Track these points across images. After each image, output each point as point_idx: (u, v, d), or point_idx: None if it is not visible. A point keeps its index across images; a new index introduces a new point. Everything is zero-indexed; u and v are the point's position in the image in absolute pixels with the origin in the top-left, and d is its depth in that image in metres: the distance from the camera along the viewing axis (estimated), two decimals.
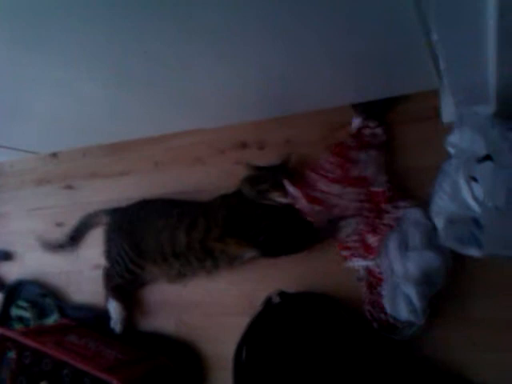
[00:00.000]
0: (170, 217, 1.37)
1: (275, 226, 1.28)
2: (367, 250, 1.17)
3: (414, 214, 1.14)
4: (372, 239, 1.16)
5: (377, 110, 1.29)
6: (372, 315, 1.14)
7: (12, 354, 1.32)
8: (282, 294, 1.19)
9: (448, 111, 1.16)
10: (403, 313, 1.06)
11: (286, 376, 1.08)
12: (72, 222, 1.68)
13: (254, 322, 1.16)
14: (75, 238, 1.64)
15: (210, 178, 1.50)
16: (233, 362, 1.14)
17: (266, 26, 0.85)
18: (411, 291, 1.05)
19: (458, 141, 1.05)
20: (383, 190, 1.19)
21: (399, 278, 1.08)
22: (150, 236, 1.38)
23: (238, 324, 1.18)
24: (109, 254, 1.46)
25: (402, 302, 1.06)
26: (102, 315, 1.48)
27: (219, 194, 1.39)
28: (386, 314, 1.11)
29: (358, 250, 1.19)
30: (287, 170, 1.31)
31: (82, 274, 1.60)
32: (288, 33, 0.88)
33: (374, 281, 1.16)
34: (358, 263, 1.18)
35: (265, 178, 1.29)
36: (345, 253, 1.21)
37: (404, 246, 1.11)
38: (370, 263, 1.16)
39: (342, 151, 1.25)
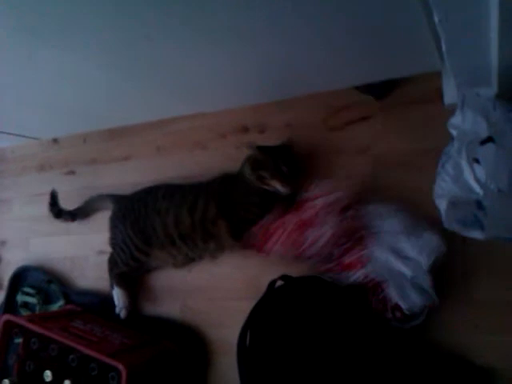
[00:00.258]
0: (173, 198, 1.38)
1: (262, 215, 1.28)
2: (348, 268, 1.16)
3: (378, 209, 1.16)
4: (349, 258, 1.16)
5: (378, 91, 1.28)
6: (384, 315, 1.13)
7: (19, 340, 1.34)
8: (285, 277, 1.19)
9: (450, 93, 1.15)
10: (417, 300, 1.05)
11: (291, 360, 1.09)
12: (75, 207, 1.69)
13: (258, 307, 1.16)
14: (74, 214, 1.65)
15: (212, 162, 1.49)
16: (237, 347, 1.15)
17: (265, 11, 0.84)
18: (417, 275, 1.05)
19: (461, 123, 1.05)
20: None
21: (400, 271, 1.08)
22: (155, 221, 1.38)
23: (243, 308, 1.18)
24: (114, 242, 1.47)
25: (412, 291, 1.06)
26: (107, 300, 1.49)
27: (221, 173, 1.39)
28: (396, 310, 1.10)
29: (338, 271, 1.18)
30: (289, 156, 1.30)
31: (87, 260, 1.61)
32: (286, 16, 0.87)
33: (372, 285, 1.14)
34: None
35: (266, 163, 1.27)
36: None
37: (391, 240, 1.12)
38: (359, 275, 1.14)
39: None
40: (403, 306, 1.07)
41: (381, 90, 1.27)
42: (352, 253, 1.16)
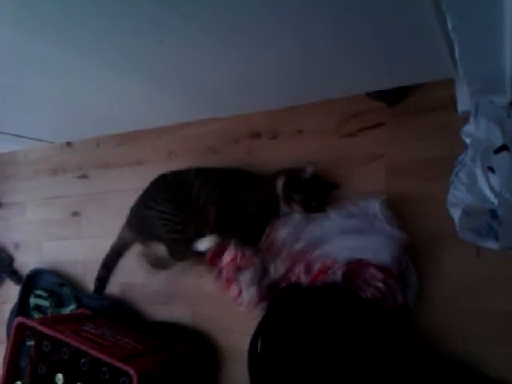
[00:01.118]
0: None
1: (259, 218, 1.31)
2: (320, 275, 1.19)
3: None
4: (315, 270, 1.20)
5: (391, 98, 1.27)
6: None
7: (31, 343, 1.35)
8: (293, 286, 1.19)
9: (463, 101, 1.15)
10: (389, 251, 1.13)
11: (303, 368, 1.08)
12: (88, 211, 1.71)
13: (269, 314, 1.17)
14: (109, 265, 1.62)
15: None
16: (248, 354, 1.15)
17: (279, 17, 0.84)
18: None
19: (474, 131, 1.04)
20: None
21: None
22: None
23: (254, 315, 1.18)
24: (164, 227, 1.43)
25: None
26: (119, 305, 1.50)
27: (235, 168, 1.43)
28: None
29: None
30: (324, 195, 1.29)
31: (99, 264, 1.61)
32: (302, 23, 0.87)
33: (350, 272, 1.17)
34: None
35: (302, 190, 1.27)
36: None
37: None
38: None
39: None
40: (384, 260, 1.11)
41: (393, 97, 1.27)
42: (314, 266, 1.20)
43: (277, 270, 1.25)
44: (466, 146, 1.07)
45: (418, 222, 1.19)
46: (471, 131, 1.05)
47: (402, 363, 1.08)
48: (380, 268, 1.12)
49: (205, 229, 1.37)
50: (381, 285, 1.12)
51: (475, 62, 0.94)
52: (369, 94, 1.28)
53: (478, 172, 0.99)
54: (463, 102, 1.16)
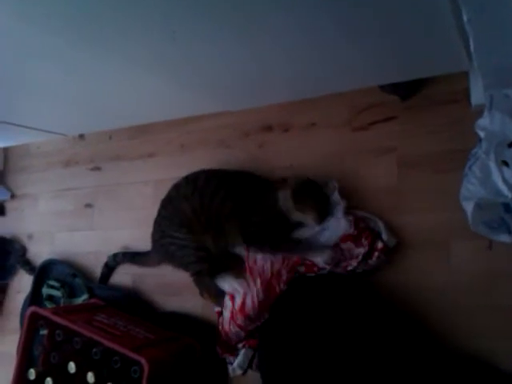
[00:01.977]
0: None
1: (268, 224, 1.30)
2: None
3: None
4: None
5: (404, 91, 1.27)
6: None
7: (44, 332, 1.37)
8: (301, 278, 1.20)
9: (477, 94, 1.14)
10: None
11: (312, 357, 1.09)
12: (100, 203, 1.72)
13: (277, 304, 1.17)
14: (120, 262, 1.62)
15: (235, 161, 1.50)
16: (258, 344, 1.16)
17: (292, 11, 0.84)
18: None
19: (488, 124, 1.03)
20: None
21: None
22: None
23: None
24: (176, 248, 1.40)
25: None
26: (130, 295, 1.51)
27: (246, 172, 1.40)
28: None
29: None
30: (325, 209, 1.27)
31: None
32: (314, 15, 0.87)
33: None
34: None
35: (307, 200, 1.25)
36: None
37: None
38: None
39: None
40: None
41: (406, 90, 1.26)
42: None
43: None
44: (479, 140, 1.06)
45: (431, 215, 1.19)
46: (485, 125, 1.04)
47: (411, 358, 1.08)
48: (346, 238, 1.20)
49: (227, 243, 1.35)
50: (356, 250, 1.19)
51: (490, 55, 0.93)
52: (382, 87, 1.28)
53: (492, 165, 0.98)
54: (477, 96, 1.15)
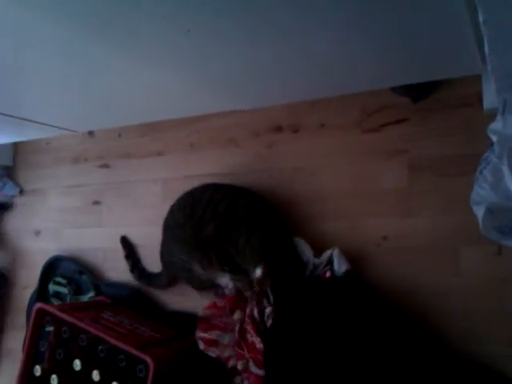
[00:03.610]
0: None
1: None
2: None
3: None
4: None
5: (416, 93, 1.26)
6: None
7: (50, 328, 1.37)
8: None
9: (490, 98, 1.13)
10: None
11: (315, 357, 1.09)
12: (109, 200, 1.72)
13: (282, 306, 1.17)
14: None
15: (243, 160, 1.50)
16: (263, 343, 1.16)
17: (308, 13, 0.83)
18: None
19: (501, 128, 1.02)
20: None
21: None
22: None
23: None
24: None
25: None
26: (137, 293, 1.51)
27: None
28: None
29: None
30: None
31: (119, 252, 1.62)
32: (327, 15, 0.86)
33: None
34: None
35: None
36: None
37: None
38: None
39: None
40: None
41: (418, 92, 1.25)
42: None
43: None
44: (491, 144, 1.05)
45: (440, 219, 1.18)
46: (498, 129, 1.03)
47: (419, 363, 1.07)
48: None
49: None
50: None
51: (504, 58, 0.92)
52: (393, 89, 1.27)
53: (505, 170, 0.97)
54: (489, 99, 1.14)
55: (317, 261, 1.26)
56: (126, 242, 1.62)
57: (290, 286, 1.21)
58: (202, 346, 1.29)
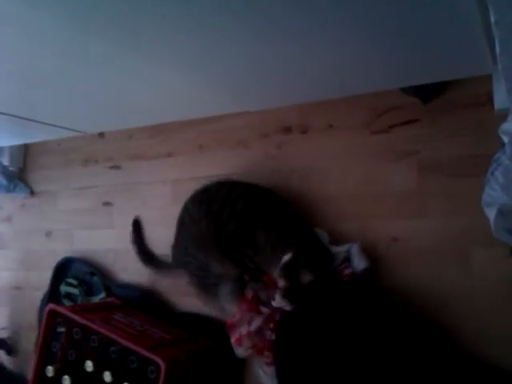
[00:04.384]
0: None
1: None
2: None
3: None
4: None
5: (426, 94, 1.25)
6: None
7: (62, 329, 1.38)
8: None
9: (500, 98, 1.12)
10: None
11: (326, 361, 1.09)
12: (119, 201, 1.73)
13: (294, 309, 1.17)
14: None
15: (253, 161, 1.50)
16: (274, 346, 1.16)
17: (317, 10, 0.83)
18: None
19: None
20: None
21: None
22: None
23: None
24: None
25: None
26: (147, 294, 1.52)
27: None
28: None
29: None
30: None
31: (129, 253, 1.62)
32: (334, 15, 0.86)
33: None
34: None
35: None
36: None
37: None
38: None
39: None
40: None
41: (428, 93, 1.24)
42: None
43: None
44: (502, 145, 1.04)
45: (451, 221, 1.18)
46: (509, 129, 1.02)
47: (431, 364, 1.07)
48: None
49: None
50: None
51: None
52: (403, 90, 1.26)
53: None
54: (500, 99, 1.13)
55: (334, 249, 1.26)
56: (137, 225, 1.62)
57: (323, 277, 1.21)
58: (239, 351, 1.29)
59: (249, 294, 1.32)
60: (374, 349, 1.08)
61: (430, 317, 1.15)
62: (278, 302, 1.18)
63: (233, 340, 1.28)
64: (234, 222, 1.28)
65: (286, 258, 1.20)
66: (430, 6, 0.83)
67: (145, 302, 1.53)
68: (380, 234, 1.26)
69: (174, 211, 1.43)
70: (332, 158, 1.37)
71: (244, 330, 1.27)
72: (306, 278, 1.18)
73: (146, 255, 1.57)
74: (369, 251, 1.25)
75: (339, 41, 0.97)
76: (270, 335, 1.24)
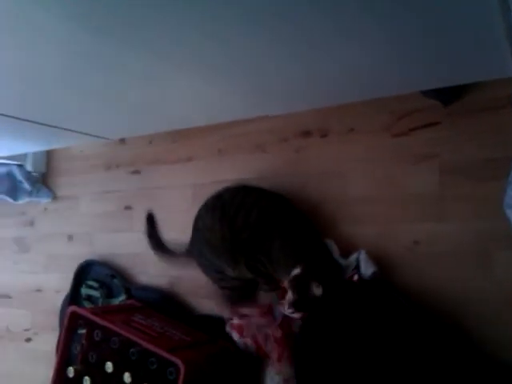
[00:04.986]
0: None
1: None
2: None
3: None
4: None
5: (446, 96, 1.25)
6: None
7: (83, 331, 1.40)
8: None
9: None
10: None
11: (344, 363, 1.08)
12: (140, 205, 1.75)
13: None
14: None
15: (272, 166, 1.50)
16: (293, 347, 1.16)
17: (335, 13, 0.84)
18: None
19: None
20: None
21: None
22: None
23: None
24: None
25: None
26: (167, 297, 1.53)
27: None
28: None
29: None
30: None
31: (149, 256, 1.63)
32: (355, 19, 0.86)
33: None
34: None
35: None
36: None
37: None
38: None
39: None
40: None
41: (450, 96, 1.24)
42: None
43: None
44: None
45: (473, 224, 1.17)
46: None
47: (452, 367, 1.06)
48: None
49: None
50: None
51: None
52: (424, 93, 1.26)
53: None
54: None
55: (344, 262, 1.26)
56: (151, 219, 1.62)
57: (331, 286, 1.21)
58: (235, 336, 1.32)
59: (261, 297, 1.35)
60: (393, 350, 1.07)
61: (452, 320, 1.14)
62: (286, 310, 1.20)
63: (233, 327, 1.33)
64: (248, 230, 1.29)
65: (296, 271, 1.20)
66: (451, 9, 0.83)
67: (164, 304, 1.54)
68: (401, 237, 1.25)
69: (195, 215, 1.44)
70: (352, 161, 1.37)
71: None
72: (316, 291, 1.18)
73: (159, 245, 1.57)
74: (389, 254, 1.25)
75: (361, 44, 0.97)
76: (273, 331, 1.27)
